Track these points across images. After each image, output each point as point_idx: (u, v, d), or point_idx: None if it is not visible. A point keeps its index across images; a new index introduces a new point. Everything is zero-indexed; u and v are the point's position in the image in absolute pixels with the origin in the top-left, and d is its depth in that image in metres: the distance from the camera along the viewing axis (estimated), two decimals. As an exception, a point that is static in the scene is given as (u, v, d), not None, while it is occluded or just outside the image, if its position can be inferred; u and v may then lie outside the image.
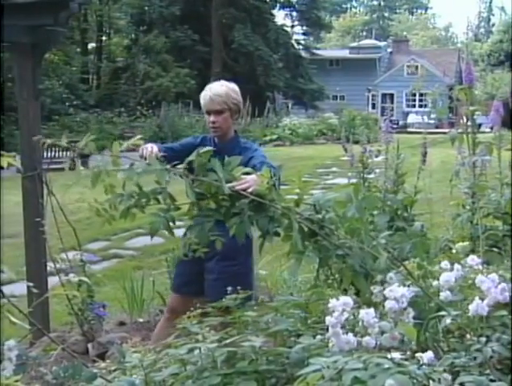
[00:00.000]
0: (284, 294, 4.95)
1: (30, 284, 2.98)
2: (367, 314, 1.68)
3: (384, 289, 1.82)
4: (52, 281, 4.91)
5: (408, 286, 1.98)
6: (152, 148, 3.05)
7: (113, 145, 2.36)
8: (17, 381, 1.78)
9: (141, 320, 5.35)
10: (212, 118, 3.74)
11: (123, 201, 2.25)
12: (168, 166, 2.30)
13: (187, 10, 35.09)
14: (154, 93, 31.19)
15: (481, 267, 2.06)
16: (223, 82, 3.89)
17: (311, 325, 2.34)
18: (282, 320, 2.34)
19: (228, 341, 2.17)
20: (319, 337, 2.05)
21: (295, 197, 2.39)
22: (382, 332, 1.70)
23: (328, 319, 1.73)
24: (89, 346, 4.62)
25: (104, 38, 37.38)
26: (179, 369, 2.16)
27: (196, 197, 2.30)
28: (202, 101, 3.79)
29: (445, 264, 2.10)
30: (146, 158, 2.48)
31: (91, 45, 37.92)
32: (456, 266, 2.06)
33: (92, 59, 36.68)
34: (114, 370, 2.37)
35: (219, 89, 3.76)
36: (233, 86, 3.84)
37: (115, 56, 37.16)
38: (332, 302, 1.75)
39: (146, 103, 29.73)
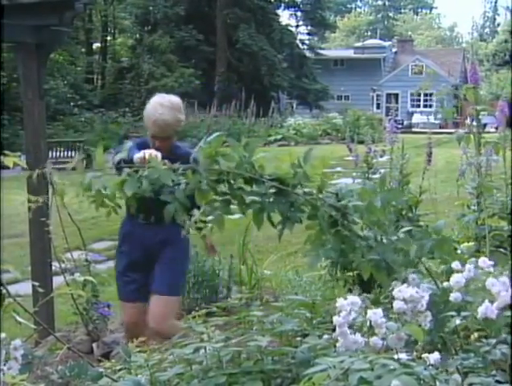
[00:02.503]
0: (289, 294, 4.95)
1: (36, 283, 2.98)
2: (375, 314, 1.68)
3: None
4: (57, 280, 4.92)
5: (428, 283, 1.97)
6: (157, 153, 3.01)
7: (97, 150, 2.29)
8: (23, 380, 1.78)
9: (145, 320, 5.35)
10: (157, 144, 3.66)
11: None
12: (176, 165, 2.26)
13: (191, 10, 35.11)
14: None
15: (492, 269, 2.03)
16: (168, 101, 3.75)
17: (316, 325, 2.34)
18: (288, 320, 2.34)
19: (233, 341, 2.17)
20: (326, 336, 2.05)
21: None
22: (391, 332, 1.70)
23: (336, 319, 1.73)
24: (94, 345, 4.62)
25: (108, 38, 37.42)
26: (185, 369, 2.16)
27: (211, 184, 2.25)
28: (151, 127, 3.70)
29: (456, 264, 2.09)
30: (148, 162, 2.34)
31: (96, 45, 37.97)
32: (468, 267, 2.04)
33: (96, 59, 36.73)
34: (119, 369, 2.37)
35: (169, 116, 3.67)
36: (179, 104, 3.78)
37: (120, 56, 37.20)
38: (340, 302, 1.75)
39: (150, 103, 29.70)
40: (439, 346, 1.95)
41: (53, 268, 4.90)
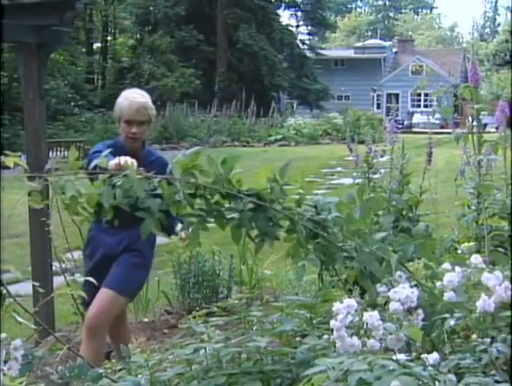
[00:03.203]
0: (289, 294, 4.95)
1: (36, 283, 2.98)
2: (371, 316, 1.68)
3: (389, 289, 1.81)
4: (58, 280, 4.92)
5: (416, 286, 1.98)
6: (132, 160, 2.91)
7: (70, 152, 2.25)
8: (23, 381, 1.78)
9: (146, 320, 5.36)
10: (134, 129, 3.78)
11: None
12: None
13: (192, 10, 35.12)
14: (160, 93, 31.21)
15: (484, 266, 2.05)
16: (138, 91, 3.99)
17: (316, 325, 2.34)
18: (288, 320, 2.34)
19: (233, 341, 2.17)
20: (325, 337, 2.05)
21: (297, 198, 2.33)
22: (389, 333, 1.70)
23: (333, 322, 1.73)
24: (94, 345, 4.62)
25: (109, 38, 37.41)
26: (185, 369, 2.16)
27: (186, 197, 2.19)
28: (126, 110, 3.79)
29: (447, 265, 2.10)
30: (124, 169, 2.28)
31: (96, 45, 37.97)
32: (457, 268, 2.05)
33: (97, 59, 36.72)
34: (119, 370, 2.37)
35: (143, 99, 3.85)
36: (147, 95, 3.96)
37: (120, 56, 37.20)
38: (336, 305, 1.75)
39: (151, 103, 29.70)
40: (434, 347, 1.96)
41: (53, 268, 4.90)
